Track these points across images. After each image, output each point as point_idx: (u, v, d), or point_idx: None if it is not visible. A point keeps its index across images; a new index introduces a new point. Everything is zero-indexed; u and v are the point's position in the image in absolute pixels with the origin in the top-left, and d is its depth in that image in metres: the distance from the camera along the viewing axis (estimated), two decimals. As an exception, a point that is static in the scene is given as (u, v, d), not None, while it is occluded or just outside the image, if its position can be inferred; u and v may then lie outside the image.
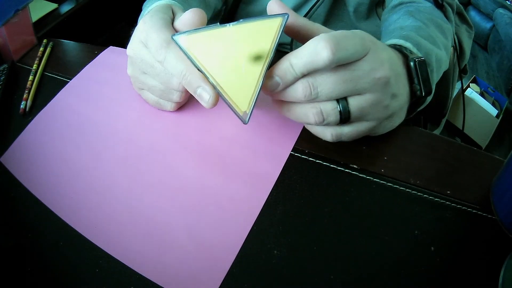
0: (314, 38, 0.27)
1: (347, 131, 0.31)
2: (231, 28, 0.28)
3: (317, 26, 0.31)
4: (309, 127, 0.33)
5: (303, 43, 0.29)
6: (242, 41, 0.28)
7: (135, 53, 0.34)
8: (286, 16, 0.28)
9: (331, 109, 0.29)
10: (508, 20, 1.67)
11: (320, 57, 0.26)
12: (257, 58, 0.28)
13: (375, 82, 0.28)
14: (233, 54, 0.28)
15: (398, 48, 0.34)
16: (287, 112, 0.31)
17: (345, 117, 0.29)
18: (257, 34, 0.28)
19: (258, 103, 0.29)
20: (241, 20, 0.28)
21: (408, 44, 0.35)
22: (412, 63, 0.32)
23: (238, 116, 0.29)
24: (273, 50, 0.28)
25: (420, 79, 0.32)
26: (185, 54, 0.30)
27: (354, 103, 0.29)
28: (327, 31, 0.30)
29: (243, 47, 0.28)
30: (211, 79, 0.29)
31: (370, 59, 0.28)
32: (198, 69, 0.30)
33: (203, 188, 0.32)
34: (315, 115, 0.29)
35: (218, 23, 0.29)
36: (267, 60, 0.28)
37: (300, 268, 0.27)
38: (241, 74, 0.29)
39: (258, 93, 0.29)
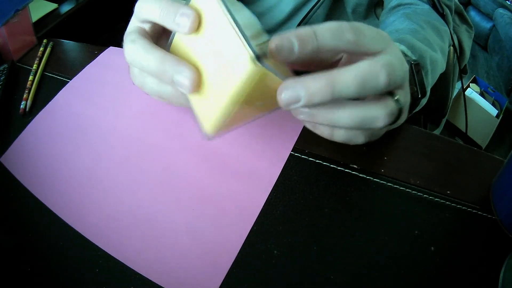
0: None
1: (380, 131, 0.30)
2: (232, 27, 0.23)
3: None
4: (338, 135, 0.29)
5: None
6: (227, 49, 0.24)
7: None
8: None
9: (395, 106, 0.26)
10: (508, 20, 1.67)
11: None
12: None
13: (406, 75, 0.27)
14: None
15: None
16: (346, 118, 0.26)
17: (399, 115, 0.27)
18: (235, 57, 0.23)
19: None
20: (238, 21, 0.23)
21: (402, 47, 0.35)
22: (408, 65, 0.32)
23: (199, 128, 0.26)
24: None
25: (417, 81, 0.32)
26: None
27: (402, 97, 0.27)
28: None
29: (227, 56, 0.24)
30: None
31: (396, 49, 0.27)
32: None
33: (203, 187, 0.32)
34: (388, 116, 0.25)
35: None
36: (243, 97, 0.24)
37: (300, 268, 0.27)
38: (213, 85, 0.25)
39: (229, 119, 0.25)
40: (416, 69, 0.32)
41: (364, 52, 0.26)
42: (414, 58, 0.35)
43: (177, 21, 0.26)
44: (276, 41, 0.23)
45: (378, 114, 0.25)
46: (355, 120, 0.25)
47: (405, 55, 0.34)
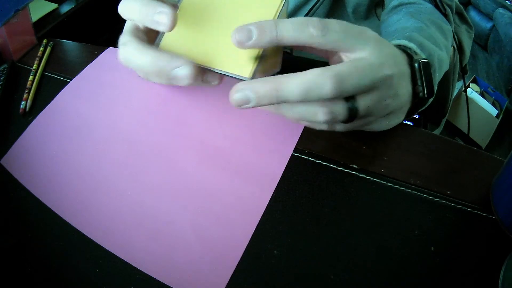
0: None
1: (344, 125, 0.30)
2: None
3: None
4: (340, 127, 0.31)
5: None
6: (245, 7, 0.28)
7: None
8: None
9: (341, 108, 0.27)
10: (508, 20, 1.67)
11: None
12: None
13: (384, 79, 0.28)
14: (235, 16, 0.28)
15: (402, 49, 0.33)
16: (288, 111, 0.28)
17: (352, 116, 0.28)
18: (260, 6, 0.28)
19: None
20: None
21: (412, 45, 0.35)
22: (416, 64, 0.32)
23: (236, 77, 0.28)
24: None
25: (424, 81, 0.32)
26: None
27: (362, 102, 0.28)
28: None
29: (246, 13, 0.28)
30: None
31: (377, 52, 0.27)
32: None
33: (207, 187, 0.32)
34: (326, 114, 0.27)
35: None
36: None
37: (300, 268, 0.27)
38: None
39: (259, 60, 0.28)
40: (425, 68, 0.32)
41: (335, 49, 0.27)
42: (423, 56, 0.34)
43: (156, 20, 0.27)
44: (236, 31, 0.26)
45: (314, 110, 0.27)
46: (297, 112, 0.27)
47: (415, 53, 0.33)
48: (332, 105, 0.27)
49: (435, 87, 0.37)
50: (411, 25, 0.41)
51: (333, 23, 0.26)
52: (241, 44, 0.26)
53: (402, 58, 0.31)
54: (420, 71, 0.32)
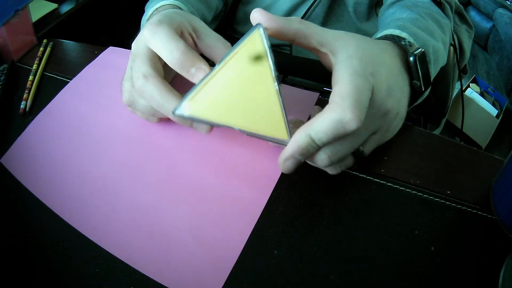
0: (333, 106, 0.25)
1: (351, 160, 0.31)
2: (226, 67, 0.27)
3: (313, 29, 0.29)
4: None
5: (302, 47, 0.29)
6: (240, 72, 0.27)
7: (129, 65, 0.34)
8: (260, 27, 0.26)
9: (350, 159, 0.30)
10: (508, 20, 1.67)
11: (349, 128, 0.25)
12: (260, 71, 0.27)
13: (384, 114, 0.29)
14: (241, 90, 0.27)
15: (395, 41, 0.33)
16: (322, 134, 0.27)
17: (360, 159, 0.30)
18: (249, 58, 0.26)
19: None
20: (223, 58, 0.26)
21: (404, 34, 0.34)
22: (412, 58, 0.31)
23: (282, 143, 0.28)
24: (271, 59, 0.26)
25: (420, 74, 0.32)
26: (197, 121, 0.28)
27: (368, 146, 0.30)
28: (323, 33, 0.29)
29: (244, 76, 0.27)
30: (237, 128, 0.28)
31: (378, 91, 0.28)
32: (216, 126, 0.28)
33: (205, 187, 0.32)
34: (333, 167, 0.30)
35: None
36: (274, 77, 0.26)
37: (300, 268, 0.27)
38: (259, 106, 0.27)
39: (285, 113, 0.27)
40: (421, 60, 0.31)
41: None
42: (417, 45, 0.34)
43: (192, 73, 0.28)
44: (286, 164, 0.28)
45: (321, 157, 0.28)
46: (328, 130, 0.26)
47: (410, 44, 0.33)
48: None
49: (431, 79, 0.36)
50: (406, 16, 0.40)
51: (361, 99, 0.26)
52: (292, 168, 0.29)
53: (394, 62, 0.31)
54: (416, 65, 0.31)
